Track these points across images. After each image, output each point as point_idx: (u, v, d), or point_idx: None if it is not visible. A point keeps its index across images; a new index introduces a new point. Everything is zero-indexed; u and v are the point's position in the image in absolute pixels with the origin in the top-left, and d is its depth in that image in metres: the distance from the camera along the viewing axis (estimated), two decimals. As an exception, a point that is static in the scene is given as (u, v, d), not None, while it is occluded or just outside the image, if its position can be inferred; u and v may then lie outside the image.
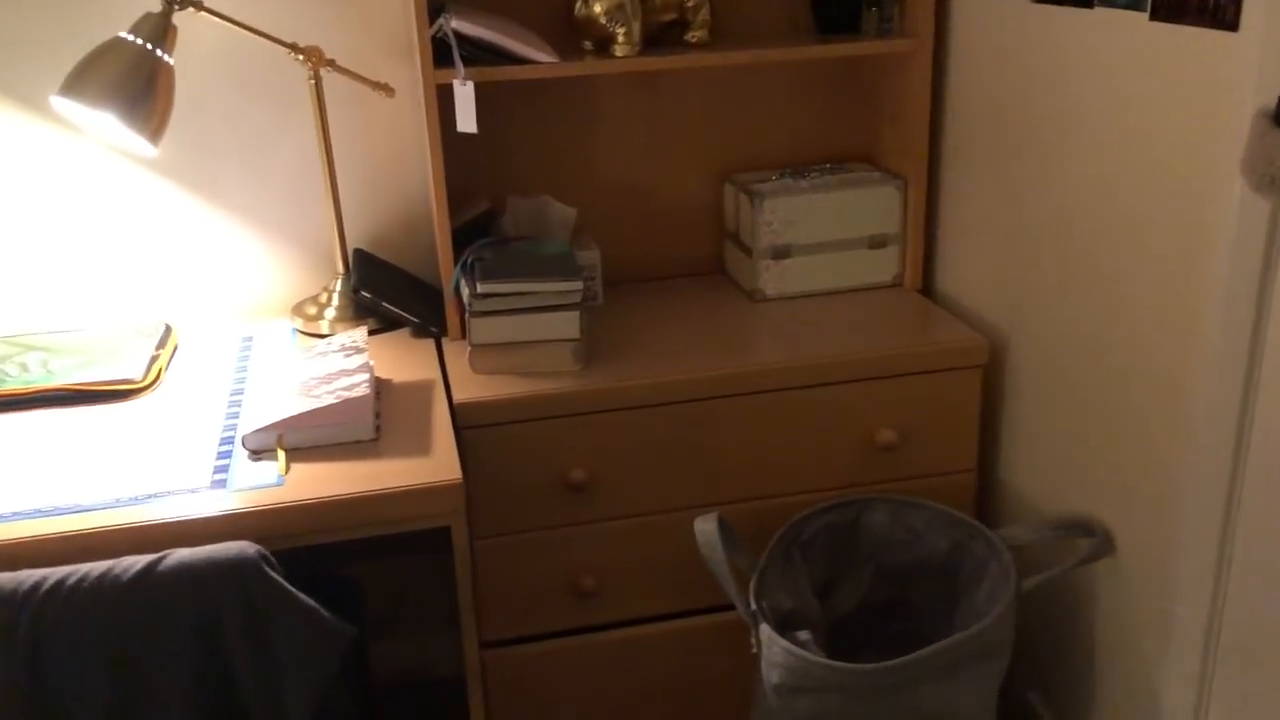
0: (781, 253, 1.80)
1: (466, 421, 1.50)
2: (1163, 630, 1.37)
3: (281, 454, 1.37)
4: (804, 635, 1.40)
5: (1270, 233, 1.12)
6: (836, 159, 1.96)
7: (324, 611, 1.22)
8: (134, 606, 1.16)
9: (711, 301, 1.84)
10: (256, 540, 1.21)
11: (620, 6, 1.63)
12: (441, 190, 1.62)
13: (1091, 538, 1.46)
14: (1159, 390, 1.34)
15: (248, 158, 1.79)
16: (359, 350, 1.53)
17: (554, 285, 1.55)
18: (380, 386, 1.56)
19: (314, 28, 1.74)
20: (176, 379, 1.62)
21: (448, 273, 1.66)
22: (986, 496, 1.77)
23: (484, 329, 1.56)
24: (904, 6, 1.75)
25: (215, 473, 1.34)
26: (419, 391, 1.55)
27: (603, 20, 1.63)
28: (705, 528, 1.45)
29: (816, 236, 1.80)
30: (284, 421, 1.38)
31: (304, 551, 1.32)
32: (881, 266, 1.85)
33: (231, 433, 1.44)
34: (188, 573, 1.16)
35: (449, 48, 1.55)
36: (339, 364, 1.49)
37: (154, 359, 1.62)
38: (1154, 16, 1.26)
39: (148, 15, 1.55)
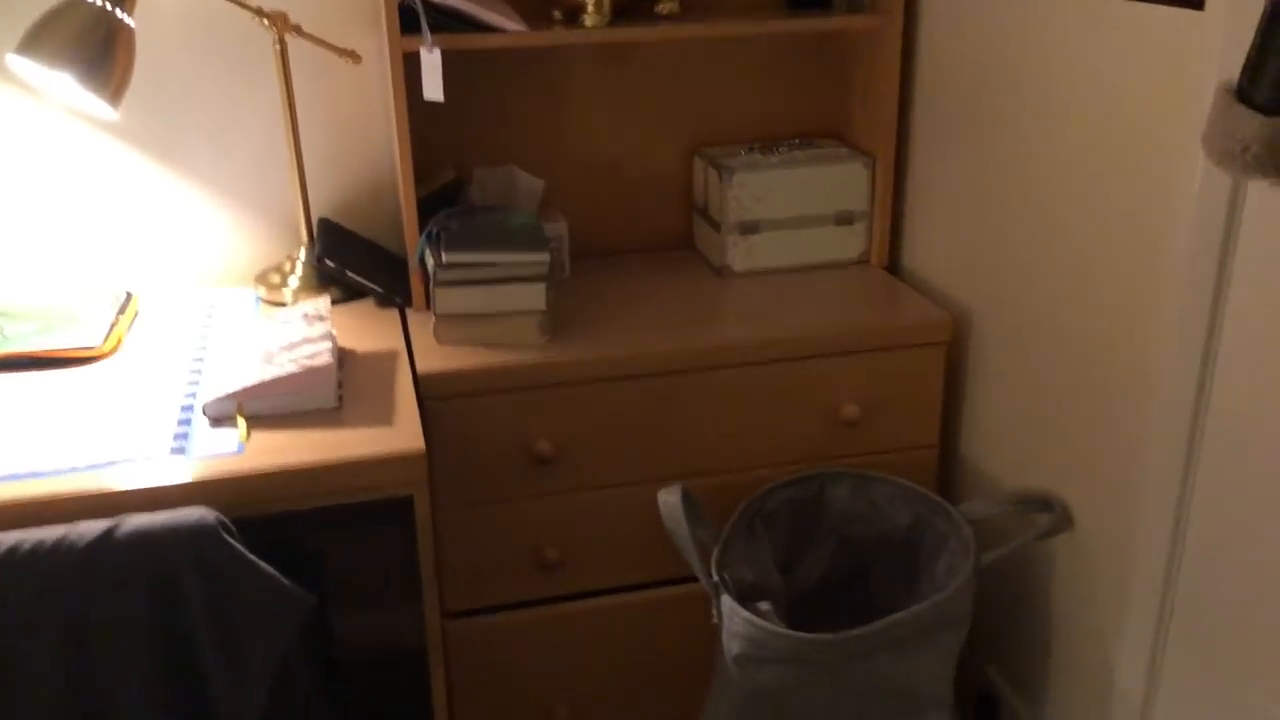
0: (749, 228, 1.80)
1: (430, 393, 1.49)
2: (1117, 604, 1.39)
3: (242, 422, 1.35)
4: (765, 606, 1.41)
5: (1230, 210, 1.13)
6: (806, 135, 1.96)
7: (283, 579, 1.21)
8: (90, 573, 1.15)
9: (679, 276, 1.83)
10: (216, 508, 1.20)
11: (590, -24, 1.61)
12: (407, 159, 1.61)
13: (1050, 513, 1.48)
14: (1119, 367, 1.35)
15: (211, 124, 1.77)
16: (321, 319, 1.52)
17: (520, 256, 1.54)
18: (343, 356, 1.55)
19: (279, -8, 1.71)
20: (137, 346, 1.60)
21: (413, 242, 1.65)
22: (948, 472, 1.78)
23: (448, 299, 1.55)
24: (874, -18, 1.75)
25: (175, 440, 1.33)
26: (382, 362, 1.54)
27: (572, -10, 1.62)
28: (668, 499, 1.45)
29: (784, 212, 1.80)
30: (245, 389, 1.37)
31: (266, 522, 1.31)
32: (848, 243, 1.85)
33: (192, 400, 1.43)
34: (145, 539, 1.15)
35: (416, 15, 1.53)
36: (301, 332, 1.48)
37: (114, 326, 1.60)
38: (1121, -6, 1.27)
39: (108, -25, 1.52)
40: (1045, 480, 1.52)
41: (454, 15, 1.57)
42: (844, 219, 1.83)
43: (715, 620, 1.45)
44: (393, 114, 1.60)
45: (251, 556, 1.19)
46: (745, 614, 1.38)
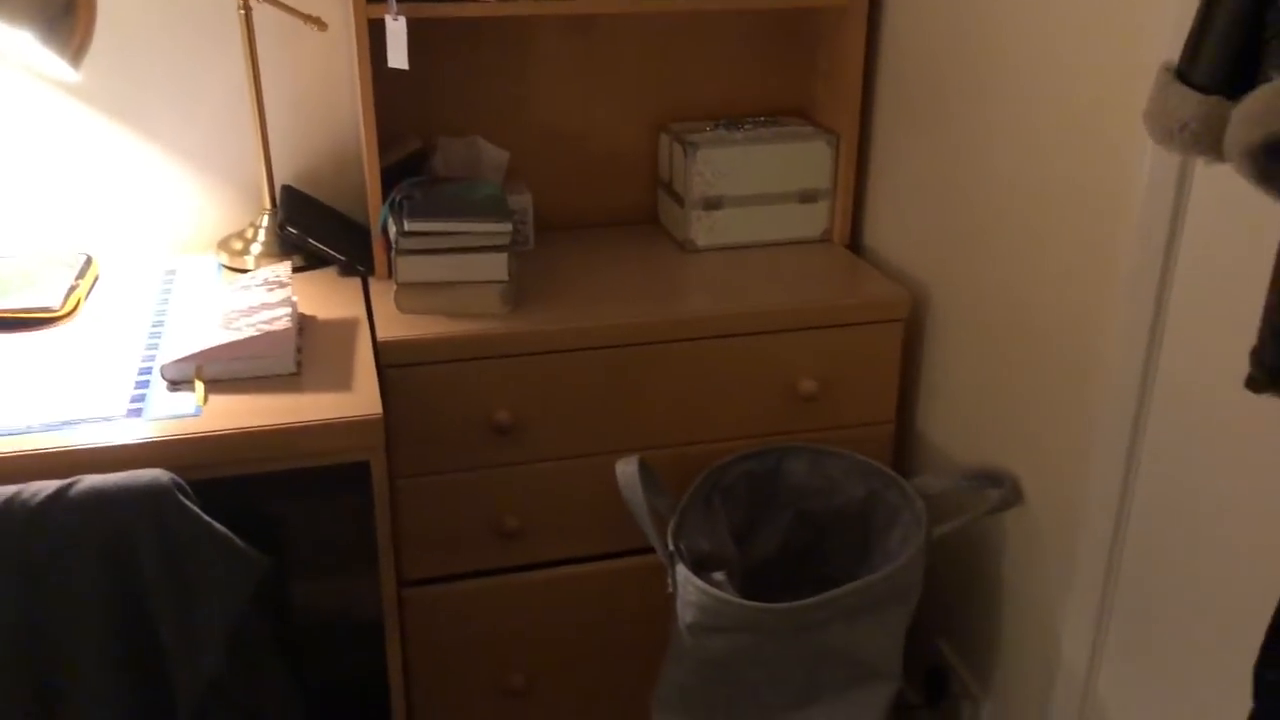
0: (713, 204, 1.81)
1: (390, 360, 1.50)
2: (1063, 579, 1.42)
3: (200, 385, 1.35)
4: (719, 576, 1.43)
5: (1177, 192, 1.15)
6: (771, 112, 1.97)
7: (238, 541, 1.22)
8: (43, 531, 1.15)
9: (643, 250, 1.85)
10: (172, 470, 1.20)
11: (557, -53, 1.61)
12: (371, 128, 1.61)
13: (1000, 488, 1.50)
14: (1069, 347, 1.37)
15: (174, 87, 1.76)
16: (282, 285, 1.52)
17: (483, 226, 1.55)
18: (304, 322, 1.55)
19: (245, -44, 1.70)
20: (96, 309, 1.59)
21: (376, 211, 1.65)
22: (904, 447, 1.81)
23: (410, 268, 1.55)
24: (841, -39, 1.76)
25: (132, 402, 1.33)
26: (343, 329, 1.54)
27: (539, -39, 1.62)
28: (626, 469, 1.46)
29: (748, 189, 1.82)
30: (203, 353, 1.37)
31: (225, 487, 1.31)
32: (811, 221, 1.87)
33: (150, 363, 1.43)
34: (99, 498, 1.15)
35: (381, -19, 1.53)
36: (261, 298, 1.48)
37: (73, 289, 1.59)
38: (1078, -24, 1.29)
39: (70, -66, 1.50)
40: (998, 456, 1.55)
41: (420, -17, 1.57)
42: (807, 197, 1.85)
43: (670, 589, 1.46)
44: (358, 82, 1.60)
45: (206, 518, 1.20)
46: (699, 583, 1.40)
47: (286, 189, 1.81)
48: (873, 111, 1.82)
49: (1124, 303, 1.24)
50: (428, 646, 1.66)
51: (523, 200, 1.79)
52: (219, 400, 1.34)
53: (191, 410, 1.31)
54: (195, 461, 1.27)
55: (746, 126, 1.87)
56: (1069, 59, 1.32)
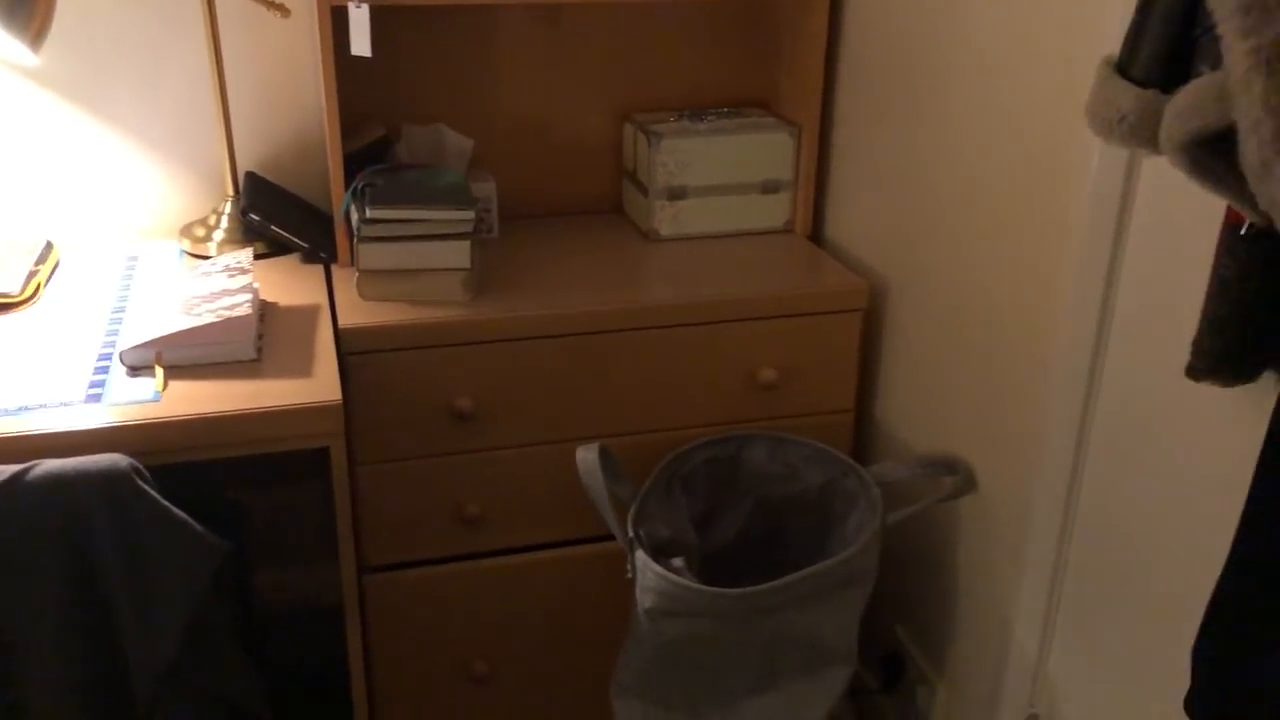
0: (677, 194, 1.82)
1: (351, 347, 1.50)
2: (1015, 565, 1.44)
3: (160, 370, 1.36)
4: (678, 562, 1.45)
5: (1125, 183, 1.18)
6: (735, 104, 1.98)
7: (197, 526, 1.22)
8: (-1, 515, 1.15)
9: (607, 239, 1.86)
10: (131, 455, 1.21)
11: (521, -63, 1.62)
12: (334, 115, 1.61)
13: (955, 475, 1.53)
14: (1022, 337, 1.40)
15: (137, 73, 1.75)
16: (243, 271, 1.52)
17: (445, 214, 1.55)
18: (265, 309, 1.55)
19: (207, -58, 1.70)
20: (56, 295, 1.59)
21: (339, 199, 1.65)
22: (863, 435, 1.83)
23: (372, 255, 1.56)
24: (804, -46, 1.78)
25: (91, 387, 1.33)
26: (304, 315, 1.55)
27: (503, -50, 1.63)
28: (586, 456, 1.48)
29: (711, 179, 1.83)
30: (163, 338, 1.37)
31: (185, 476, 1.32)
32: (773, 212, 1.88)
33: (110, 349, 1.43)
34: (57, 482, 1.15)
35: (344, -32, 1.53)
36: (222, 284, 1.48)
37: (32, 274, 1.59)
38: (1033, -29, 1.31)
39: (29, -83, 1.50)
40: (953, 444, 1.57)
41: (383, -29, 1.57)
42: (770, 188, 1.87)
43: (630, 575, 1.48)
44: (321, 69, 1.60)
45: (165, 503, 1.20)
46: (658, 569, 1.42)
47: (249, 175, 1.81)
48: (834, 103, 1.84)
49: (1073, 293, 1.26)
50: (389, 633, 1.67)
51: (486, 188, 1.80)
52: (179, 386, 1.34)
53: (151, 396, 1.32)
54: (154, 447, 1.27)
55: (710, 117, 1.89)
56: (1026, 53, 1.34)
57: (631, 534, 1.47)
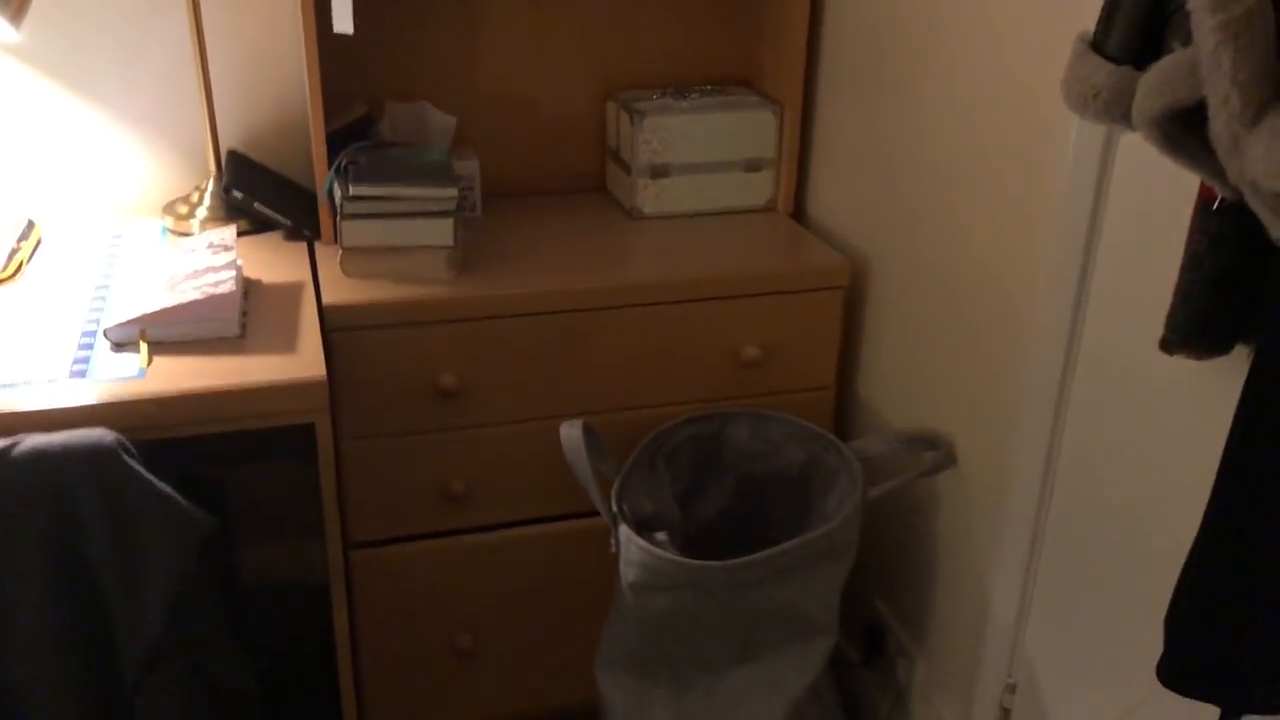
0: (660, 172, 1.83)
1: (335, 324, 1.50)
2: (994, 538, 1.46)
3: (144, 347, 1.36)
4: (661, 536, 1.46)
5: (1103, 159, 1.19)
6: (718, 82, 1.99)
7: (182, 500, 1.23)
8: (-15, 491, 1.15)
9: (590, 217, 1.86)
10: (116, 431, 1.21)
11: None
12: (317, 93, 1.61)
13: (935, 450, 1.55)
14: (1001, 313, 1.41)
15: (119, 50, 1.74)
16: (227, 248, 1.52)
17: (428, 191, 1.56)
18: (249, 286, 1.56)
19: (188, -83, 1.69)
20: (39, 273, 1.58)
21: (322, 176, 1.65)
22: (844, 412, 1.85)
23: (355, 232, 1.56)
24: (786, -69, 1.78)
25: (75, 364, 1.33)
26: (288, 293, 1.55)
27: (485, -74, 1.62)
28: (570, 433, 1.49)
29: (694, 157, 1.84)
30: (147, 315, 1.37)
31: (171, 452, 1.32)
32: (756, 190, 1.89)
33: (94, 326, 1.43)
34: (41, 458, 1.16)
35: (326, -55, 1.53)
36: (206, 261, 1.49)
37: (14, 252, 1.59)
38: (1012, -50, 1.31)
39: (8, -108, 1.49)
40: (934, 420, 1.59)
41: (365, -53, 1.57)
42: (752, 166, 1.87)
43: (614, 550, 1.49)
44: (304, 46, 1.59)
45: (150, 477, 1.21)
46: (641, 543, 1.43)
47: (232, 153, 1.80)
48: (816, 82, 1.85)
49: (1050, 269, 1.28)
50: (375, 609, 1.68)
51: (470, 166, 1.80)
52: (163, 362, 1.34)
53: (135, 372, 1.32)
54: (139, 423, 1.27)
55: (693, 95, 1.89)
56: (1005, 31, 1.35)
57: (615, 509, 1.49)
